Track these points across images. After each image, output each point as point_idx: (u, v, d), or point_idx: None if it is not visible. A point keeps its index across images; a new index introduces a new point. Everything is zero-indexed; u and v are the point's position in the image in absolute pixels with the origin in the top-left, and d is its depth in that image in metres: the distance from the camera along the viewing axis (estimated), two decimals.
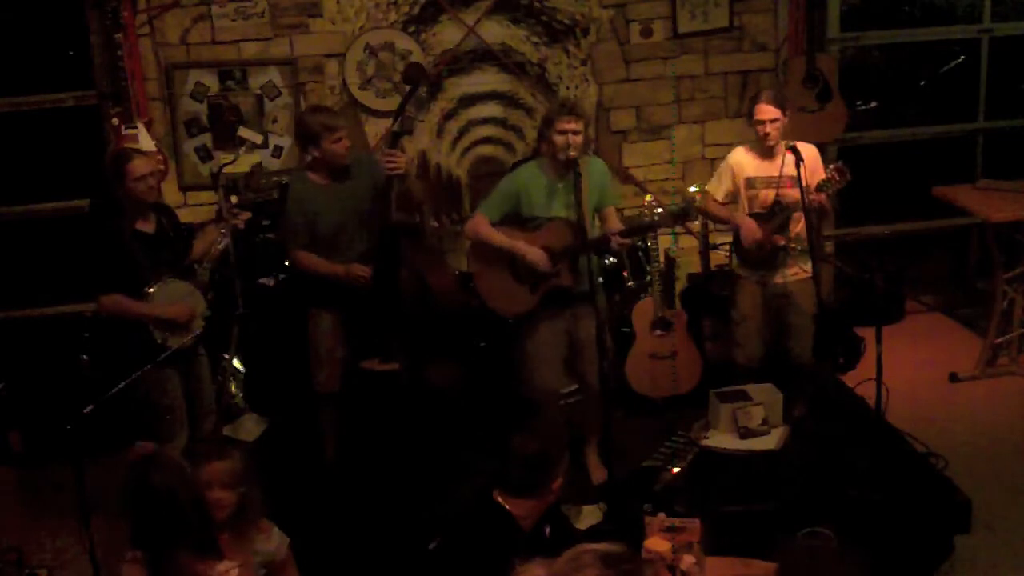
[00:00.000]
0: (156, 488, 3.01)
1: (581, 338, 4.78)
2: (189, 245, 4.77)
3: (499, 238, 4.71)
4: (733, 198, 5.13)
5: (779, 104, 4.86)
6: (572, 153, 4.51)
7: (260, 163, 5.99)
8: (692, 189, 5.81)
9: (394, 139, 4.93)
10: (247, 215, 4.91)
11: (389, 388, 5.12)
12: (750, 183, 5.04)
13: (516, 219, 4.75)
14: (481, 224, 4.75)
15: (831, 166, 4.82)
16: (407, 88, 5.91)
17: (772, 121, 4.84)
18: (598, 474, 4.94)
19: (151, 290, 4.44)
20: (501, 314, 4.85)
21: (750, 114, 4.94)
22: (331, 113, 4.92)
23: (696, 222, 5.91)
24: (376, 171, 4.82)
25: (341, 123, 4.76)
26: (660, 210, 4.69)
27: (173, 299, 4.49)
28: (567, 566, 2.23)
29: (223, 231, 4.84)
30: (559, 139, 4.55)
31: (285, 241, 4.90)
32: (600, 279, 4.95)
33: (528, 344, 4.81)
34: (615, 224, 4.79)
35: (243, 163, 5.85)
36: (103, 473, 4.00)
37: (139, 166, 4.41)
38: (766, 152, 4.97)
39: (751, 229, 4.96)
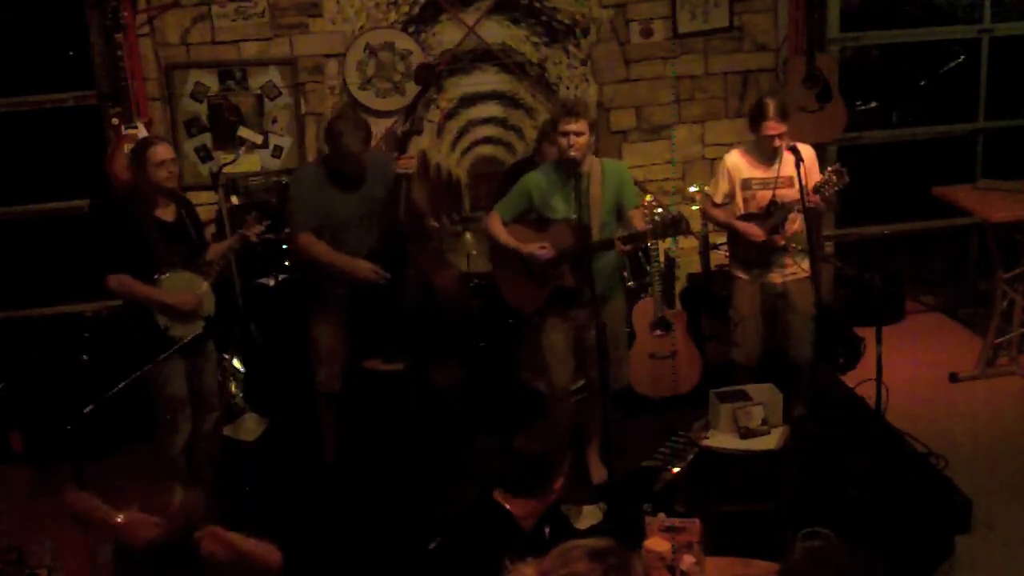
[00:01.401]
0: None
1: (589, 338, 4.79)
2: (206, 243, 4.79)
3: (504, 236, 4.78)
4: (730, 198, 5.14)
5: (784, 115, 4.86)
6: (573, 153, 4.52)
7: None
8: (692, 189, 5.81)
9: (404, 139, 4.94)
10: (260, 228, 4.86)
11: (392, 388, 5.13)
12: (746, 184, 5.05)
13: (529, 218, 4.81)
14: (493, 222, 4.82)
15: (829, 168, 4.83)
16: (407, 88, 5.93)
17: (781, 136, 4.86)
18: (598, 474, 4.95)
19: (162, 277, 4.46)
20: (516, 308, 4.91)
21: (754, 124, 4.92)
22: (354, 122, 4.77)
23: (693, 229, 5.89)
24: (389, 170, 4.83)
25: (358, 141, 4.68)
26: (660, 209, 4.71)
27: (181, 288, 4.51)
28: (556, 562, 2.25)
29: (241, 235, 4.84)
30: (561, 140, 4.56)
31: (291, 225, 4.86)
32: (624, 276, 5.01)
33: (544, 342, 4.85)
34: (641, 227, 4.77)
35: (243, 163, 5.86)
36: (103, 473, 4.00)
37: (160, 152, 4.48)
38: (763, 154, 4.97)
39: (754, 233, 4.97)
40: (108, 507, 3.10)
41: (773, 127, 4.84)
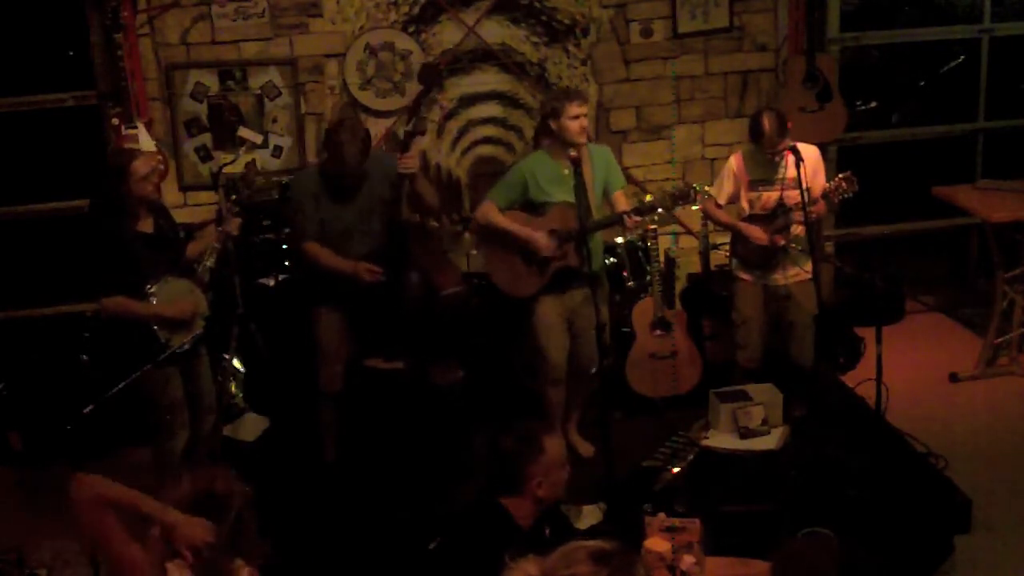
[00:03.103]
0: None
1: (580, 318, 4.92)
2: (184, 245, 4.77)
3: (506, 223, 4.85)
4: (734, 199, 5.14)
5: (783, 129, 4.83)
6: (585, 138, 4.68)
7: (254, 160, 5.94)
8: None
9: (407, 139, 4.95)
10: (239, 220, 4.87)
11: (392, 387, 5.13)
12: (752, 185, 5.04)
13: (524, 205, 4.87)
14: (490, 210, 4.90)
15: (839, 176, 4.81)
16: (407, 88, 5.93)
17: (784, 148, 4.85)
18: (585, 449, 5.08)
19: (152, 290, 4.44)
20: (512, 296, 4.95)
21: (754, 138, 4.91)
22: (353, 131, 4.73)
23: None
24: (392, 170, 4.83)
25: (358, 152, 4.65)
26: (653, 197, 4.79)
27: (174, 298, 4.49)
28: (559, 563, 2.24)
29: (221, 231, 4.83)
30: (574, 125, 4.67)
31: (295, 233, 4.92)
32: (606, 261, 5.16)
33: (538, 322, 4.93)
34: (626, 207, 4.88)
35: (243, 163, 5.85)
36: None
37: (142, 165, 4.43)
38: (767, 156, 4.96)
39: (757, 236, 4.97)
40: (159, 503, 2.69)
41: (770, 145, 4.84)
